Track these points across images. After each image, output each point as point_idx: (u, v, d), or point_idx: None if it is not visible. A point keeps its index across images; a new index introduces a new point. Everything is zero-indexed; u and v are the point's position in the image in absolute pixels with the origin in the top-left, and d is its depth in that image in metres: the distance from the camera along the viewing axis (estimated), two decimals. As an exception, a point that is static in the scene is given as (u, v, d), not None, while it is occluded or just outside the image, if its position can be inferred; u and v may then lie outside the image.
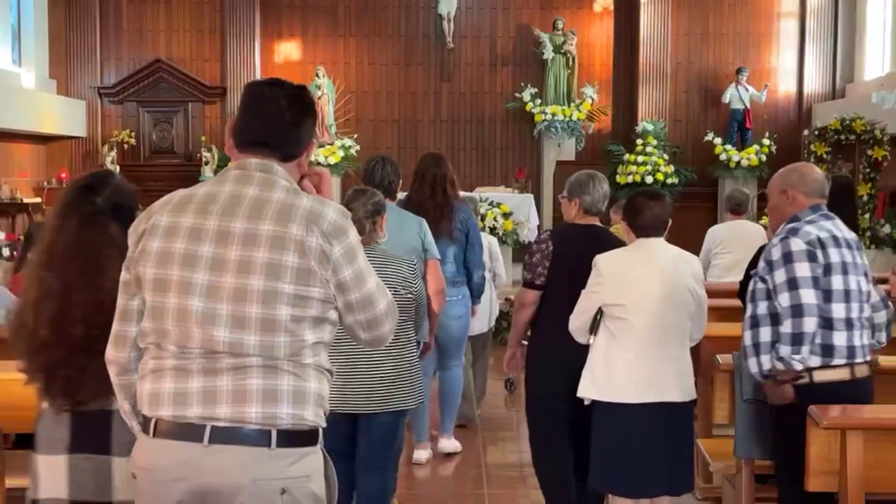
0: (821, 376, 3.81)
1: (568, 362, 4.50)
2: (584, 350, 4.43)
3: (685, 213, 14.35)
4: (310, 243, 2.41)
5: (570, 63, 14.94)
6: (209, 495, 2.41)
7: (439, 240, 5.69)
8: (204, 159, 14.54)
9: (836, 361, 3.81)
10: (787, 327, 3.76)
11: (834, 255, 3.82)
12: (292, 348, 2.43)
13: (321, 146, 14.52)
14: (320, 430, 2.53)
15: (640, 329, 4.26)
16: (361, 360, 4.28)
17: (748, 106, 14.70)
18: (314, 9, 15.31)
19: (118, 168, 14.32)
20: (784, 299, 3.77)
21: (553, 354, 4.64)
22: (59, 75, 14.65)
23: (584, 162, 14.58)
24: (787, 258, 3.79)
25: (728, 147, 14.62)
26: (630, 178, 14.36)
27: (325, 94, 14.67)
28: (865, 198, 12.42)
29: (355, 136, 14.87)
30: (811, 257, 3.77)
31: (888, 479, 3.71)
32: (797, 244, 3.80)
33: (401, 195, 5.79)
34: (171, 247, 2.45)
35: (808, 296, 3.74)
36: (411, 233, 5.33)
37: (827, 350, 3.80)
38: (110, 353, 2.60)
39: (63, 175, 14.31)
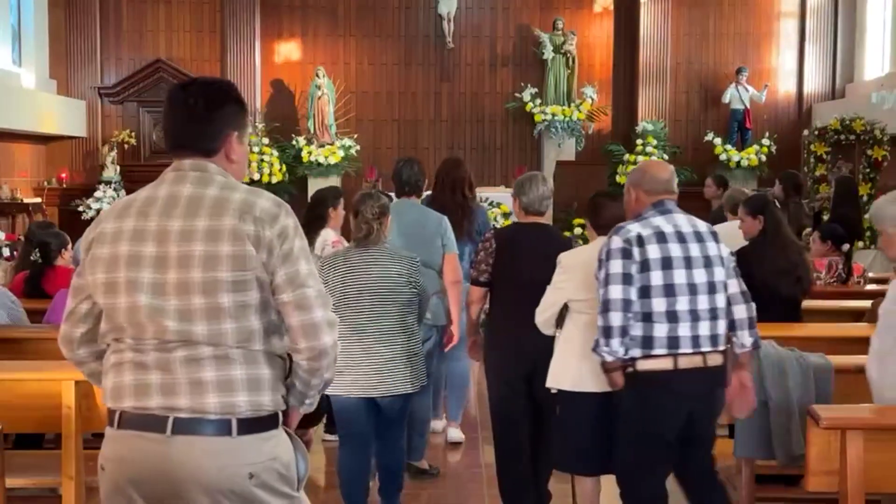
0: (643, 365, 3.97)
1: (518, 354, 4.83)
2: (532, 341, 4.67)
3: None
4: (244, 230, 2.51)
5: (570, 63, 14.95)
6: (177, 484, 2.50)
7: (459, 239, 6.17)
8: (204, 159, 14.52)
9: (657, 352, 3.94)
10: (598, 321, 4.00)
11: (653, 252, 3.94)
12: (239, 335, 2.53)
13: (321, 146, 14.54)
14: (280, 413, 2.62)
15: None
16: (371, 349, 4.74)
17: (748, 106, 14.71)
18: (314, 9, 15.32)
19: (118, 168, 14.36)
20: (600, 295, 4.01)
21: (503, 347, 4.94)
22: (59, 75, 14.65)
23: (584, 162, 14.61)
24: (607, 256, 4.00)
25: (728, 147, 14.64)
26: (630, 178, 14.35)
27: (325, 94, 14.68)
28: (865, 198, 12.41)
29: (355, 136, 14.88)
30: (625, 254, 3.95)
31: (888, 479, 3.71)
32: (616, 242, 3.99)
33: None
34: (117, 251, 2.56)
35: (616, 291, 3.93)
36: (432, 228, 5.85)
37: (647, 341, 3.94)
38: (63, 351, 2.76)
39: (63, 175, 14.31)
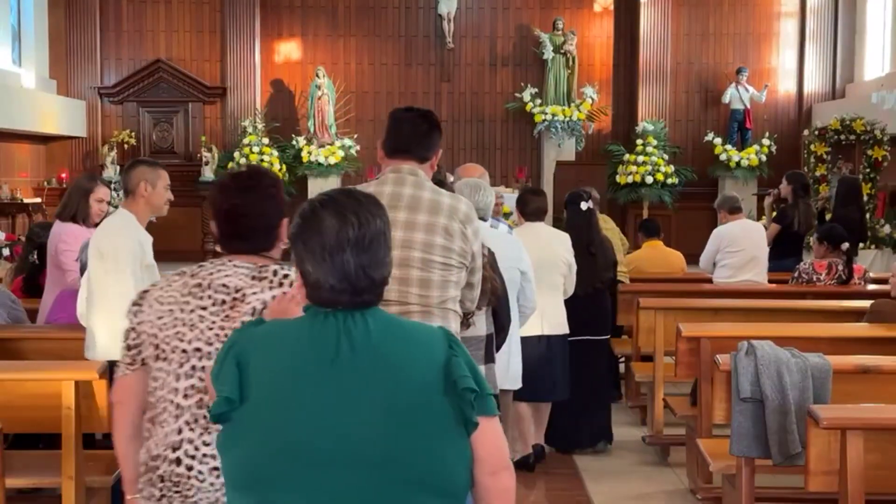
0: None
1: None
2: None
3: (685, 213, 14.35)
4: (453, 227, 3.41)
5: (570, 63, 14.95)
6: None
7: None
8: (204, 159, 14.54)
9: None
10: None
11: None
12: (440, 300, 3.40)
13: (321, 146, 14.54)
14: None
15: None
16: None
17: (748, 106, 14.71)
18: (314, 9, 15.32)
19: (118, 168, 14.35)
20: None
21: None
22: (59, 75, 14.66)
23: (584, 162, 14.61)
24: None
25: (728, 147, 14.63)
26: (630, 178, 14.36)
27: (325, 94, 14.68)
28: (865, 198, 12.42)
29: (355, 136, 14.88)
30: None
31: (888, 479, 3.71)
32: None
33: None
34: None
35: None
36: None
37: None
38: None
39: (63, 175, 14.32)
